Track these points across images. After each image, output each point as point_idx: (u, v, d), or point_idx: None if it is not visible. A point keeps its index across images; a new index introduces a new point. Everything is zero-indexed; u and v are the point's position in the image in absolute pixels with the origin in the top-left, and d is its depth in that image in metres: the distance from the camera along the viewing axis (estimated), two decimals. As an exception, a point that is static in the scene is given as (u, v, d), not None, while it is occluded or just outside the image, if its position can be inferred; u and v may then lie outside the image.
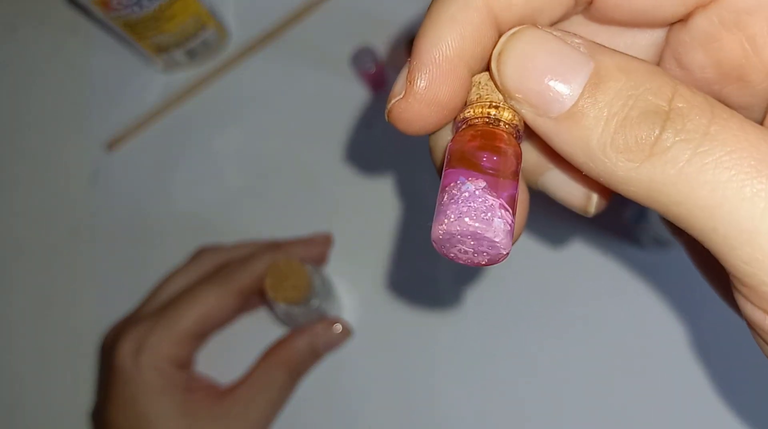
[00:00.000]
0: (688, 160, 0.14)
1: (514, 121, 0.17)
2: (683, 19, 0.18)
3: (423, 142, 0.51)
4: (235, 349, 0.46)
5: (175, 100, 0.52)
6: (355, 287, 0.47)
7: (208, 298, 0.41)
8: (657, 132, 0.14)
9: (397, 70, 0.52)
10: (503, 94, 0.16)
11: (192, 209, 0.50)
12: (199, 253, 0.46)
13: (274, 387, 0.42)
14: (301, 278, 0.39)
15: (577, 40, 0.16)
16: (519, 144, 0.17)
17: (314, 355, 0.44)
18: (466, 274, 0.46)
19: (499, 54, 0.16)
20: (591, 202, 0.17)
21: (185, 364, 0.42)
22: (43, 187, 0.53)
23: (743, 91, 0.18)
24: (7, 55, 0.56)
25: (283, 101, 0.51)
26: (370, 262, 0.47)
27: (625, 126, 0.14)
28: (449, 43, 0.16)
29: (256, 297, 0.44)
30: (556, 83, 0.15)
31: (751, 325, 0.16)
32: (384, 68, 0.48)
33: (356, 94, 0.50)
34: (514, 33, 0.16)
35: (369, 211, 0.48)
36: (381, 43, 0.48)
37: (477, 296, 0.45)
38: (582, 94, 0.15)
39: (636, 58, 0.15)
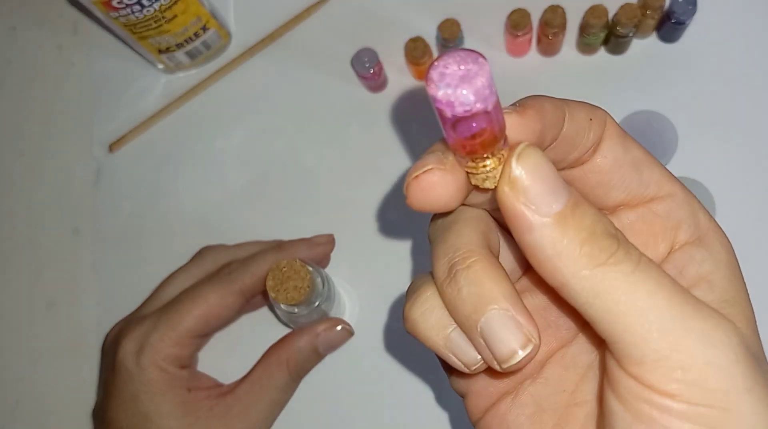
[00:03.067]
0: (632, 272, 0.19)
1: (482, 176, 0.20)
2: (610, 211, 0.24)
3: (423, 143, 0.51)
4: (237, 349, 0.46)
5: (176, 100, 0.52)
6: (357, 288, 0.47)
7: (210, 297, 0.41)
8: (614, 247, 0.19)
9: (397, 71, 0.53)
10: (511, 184, 0.19)
11: (193, 209, 0.50)
12: (202, 253, 0.46)
13: (276, 387, 0.42)
14: (303, 279, 0.39)
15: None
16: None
17: (315, 355, 0.44)
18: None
19: (521, 154, 0.19)
20: (527, 350, 0.20)
21: (187, 363, 0.42)
22: (45, 188, 0.53)
23: None
24: (8, 56, 0.57)
25: (284, 102, 0.51)
26: (371, 262, 0.47)
27: (592, 237, 0.19)
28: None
29: (258, 297, 0.44)
30: (552, 190, 0.19)
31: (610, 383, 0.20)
32: (384, 69, 0.49)
33: (356, 95, 0.50)
34: (530, 145, 0.19)
35: (370, 211, 0.48)
36: (381, 44, 0.48)
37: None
38: (566, 205, 0.19)
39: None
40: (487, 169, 0.19)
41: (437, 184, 0.20)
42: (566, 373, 0.24)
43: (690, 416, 0.18)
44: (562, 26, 0.45)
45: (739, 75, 0.47)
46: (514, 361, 0.20)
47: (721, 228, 0.23)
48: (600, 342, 0.23)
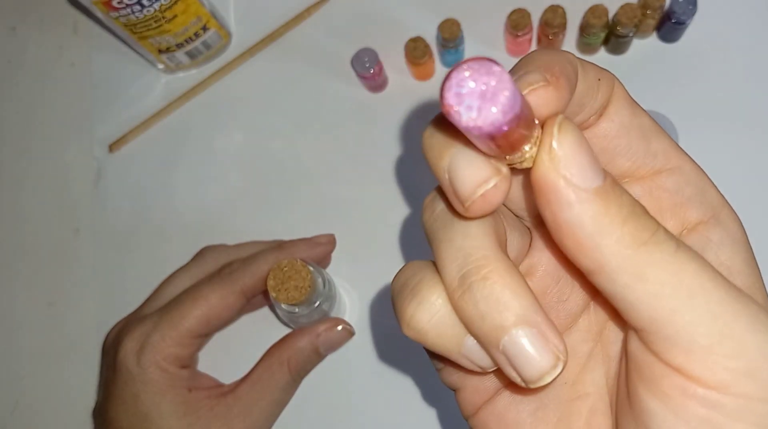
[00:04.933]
0: (676, 252, 0.18)
1: (520, 159, 0.18)
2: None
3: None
4: (238, 349, 0.46)
5: (176, 100, 0.52)
6: (357, 288, 0.47)
7: (211, 297, 0.41)
8: (656, 226, 0.18)
9: (397, 71, 0.53)
10: (552, 156, 0.18)
11: (194, 209, 0.50)
12: (202, 253, 0.46)
13: (276, 386, 0.42)
14: (304, 279, 0.39)
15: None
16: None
17: (316, 355, 0.44)
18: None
19: (561, 125, 0.18)
20: (558, 369, 0.19)
21: (188, 363, 0.42)
22: (45, 188, 0.53)
23: None
24: (8, 56, 0.57)
25: (284, 102, 0.51)
26: (372, 262, 0.47)
27: (633, 214, 0.18)
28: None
29: (259, 297, 0.44)
30: (594, 164, 0.18)
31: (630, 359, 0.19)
32: (384, 69, 0.49)
33: (356, 95, 0.50)
34: (566, 117, 0.18)
35: (370, 211, 0.48)
36: (381, 44, 0.48)
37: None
38: (606, 181, 0.18)
39: None
40: (527, 154, 0.18)
41: (500, 192, 0.18)
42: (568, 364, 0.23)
43: (742, 414, 0.17)
44: (562, 26, 0.45)
45: (739, 75, 0.47)
46: (543, 382, 0.19)
47: (731, 207, 0.22)
48: (604, 330, 0.22)
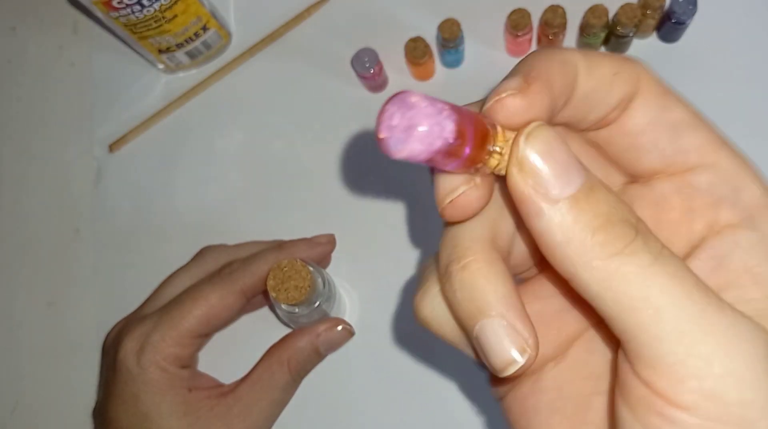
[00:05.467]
0: (650, 265, 0.17)
1: (496, 167, 0.19)
2: (644, 179, 0.22)
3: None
4: (238, 349, 0.46)
5: (176, 100, 0.52)
6: (357, 288, 0.47)
7: (211, 297, 0.41)
8: (631, 237, 0.17)
9: (397, 71, 0.53)
10: (519, 166, 0.18)
11: (194, 209, 0.50)
12: (202, 253, 0.46)
13: (276, 386, 0.42)
14: (304, 279, 0.39)
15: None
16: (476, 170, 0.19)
17: (316, 355, 0.44)
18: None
19: (529, 134, 0.18)
20: (520, 361, 0.19)
21: (188, 363, 0.42)
22: (45, 188, 0.53)
23: None
24: (8, 56, 0.57)
25: (284, 102, 0.51)
26: (372, 262, 0.47)
27: (608, 224, 0.17)
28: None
29: (259, 297, 0.44)
30: (564, 173, 0.17)
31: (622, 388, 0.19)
32: (384, 69, 0.49)
33: (356, 95, 0.50)
34: (540, 125, 0.18)
35: (370, 211, 0.48)
36: (381, 44, 0.48)
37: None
38: (579, 190, 0.17)
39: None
40: (494, 165, 0.18)
41: (472, 200, 0.19)
42: (591, 358, 0.22)
43: None
44: (562, 26, 0.45)
45: (739, 75, 0.47)
46: (509, 372, 0.19)
47: None
48: (613, 337, 0.22)
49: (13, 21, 0.57)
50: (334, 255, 0.47)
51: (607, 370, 0.22)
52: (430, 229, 0.47)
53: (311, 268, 0.40)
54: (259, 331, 0.47)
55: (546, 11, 0.45)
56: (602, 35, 0.46)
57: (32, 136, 0.55)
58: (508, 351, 0.18)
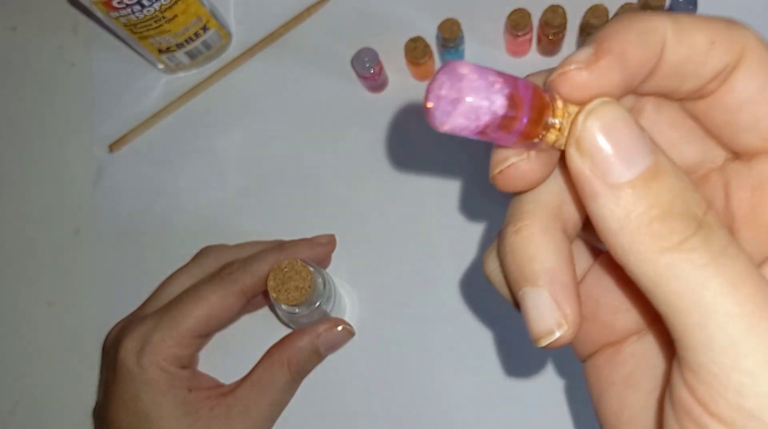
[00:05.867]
0: (705, 265, 0.16)
1: (555, 143, 0.18)
2: (747, 157, 0.20)
3: (424, 143, 0.51)
4: (238, 349, 0.46)
5: (176, 100, 0.52)
6: (357, 288, 0.47)
7: (211, 298, 0.41)
8: (690, 232, 0.16)
9: (397, 71, 0.53)
10: (577, 144, 0.17)
11: (194, 210, 0.50)
12: (202, 253, 0.46)
13: (277, 387, 0.42)
14: (304, 279, 0.39)
15: (644, 132, 0.17)
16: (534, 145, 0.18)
17: (316, 356, 0.44)
18: (467, 274, 0.46)
19: (591, 111, 0.17)
20: (555, 335, 0.18)
21: (188, 363, 0.42)
22: (45, 188, 0.53)
23: (754, 238, 0.20)
24: (8, 56, 0.57)
25: (285, 102, 0.51)
26: (372, 263, 0.47)
27: (666, 216, 0.16)
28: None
29: (259, 297, 0.44)
30: (625, 156, 0.16)
31: (674, 399, 0.18)
32: (384, 69, 0.49)
33: (356, 95, 0.50)
34: (605, 102, 0.17)
35: (370, 211, 0.48)
36: (381, 44, 0.48)
37: (477, 296, 0.46)
38: (641, 175, 0.16)
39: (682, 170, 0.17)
40: (552, 140, 0.17)
41: (523, 173, 0.18)
42: None
43: None
44: (563, 26, 0.45)
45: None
46: (544, 343, 0.18)
47: None
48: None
49: (14, 21, 0.57)
50: (334, 255, 0.47)
51: None
52: (431, 229, 0.47)
53: (311, 269, 0.40)
54: (259, 332, 0.47)
55: (546, 11, 0.45)
56: (602, 35, 0.46)
57: (32, 135, 0.55)
58: (545, 323, 0.18)
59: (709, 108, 0.19)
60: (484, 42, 0.49)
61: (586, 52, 0.17)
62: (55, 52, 0.56)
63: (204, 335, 0.42)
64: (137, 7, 0.45)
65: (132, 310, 0.45)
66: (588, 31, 0.45)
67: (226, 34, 0.52)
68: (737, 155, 0.20)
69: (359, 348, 0.46)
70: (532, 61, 0.49)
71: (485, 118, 0.16)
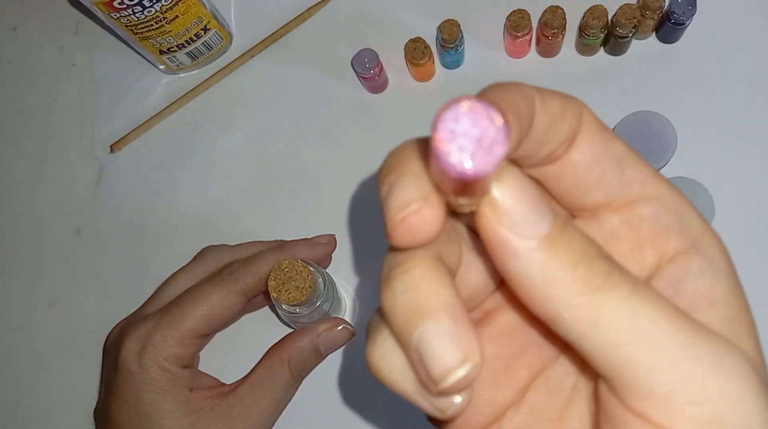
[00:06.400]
0: (629, 297, 0.17)
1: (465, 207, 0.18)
2: (589, 214, 0.22)
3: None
4: (238, 349, 0.46)
5: (177, 101, 0.52)
6: (358, 288, 0.47)
7: (212, 297, 0.41)
8: (609, 269, 0.17)
9: (397, 72, 0.53)
10: (490, 205, 0.17)
11: (195, 210, 0.51)
12: (203, 253, 0.46)
13: (277, 386, 0.43)
14: (305, 279, 0.39)
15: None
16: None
17: (317, 355, 0.44)
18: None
19: (500, 173, 0.17)
20: (462, 371, 0.17)
21: (189, 363, 0.43)
22: (47, 188, 0.53)
23: None
24: (9, 56, 0.57)
25: (285, 102, 0.51)
26: (372, 263, 0.47)
27: (586, 258, 0.17)
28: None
29: (260, 297, 0.44)
30: (538, 211, 0.17)
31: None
32: (384, 70, 0.49)
33: (357, 95, 0.50)
34: (508, 164, 0.17)
35: (371, 212, 0.48)
36: (381, 44, 0.49)
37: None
38: (555, 226, 0.17)
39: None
40: (470, 203, 0.17)
41: (427, 222, 0.17)
42: (551, 399, 0.22)
43: None
44: (562, 27, 0.45)
45: (738, 75, 0.47)
46: (449, 383, 0.17)
47: (715, 232, 0.21)
48: (586, 367, 0.21)
49: (15, 21, 0.57)
50: (334, 255, 0.47)
51: (568, 412, 0.21)
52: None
53: (312, 269, 0.40)
54: (259, 331, 0.47)
55: (545, 12, 0.45)
56: (601, 36, 0.46)
57: (33, 136, 0.55)
58: (451, 356, 0.17)
59: (557, 171, 0.21)
60: (483, 43, 0.49)
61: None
62: (56, 52, 0.56)
63: (205, 335, 0.43)
64: (138, 8, 0.45)
65: (133, 309, 0.46)
66: (587, 32, 0.46)
67: (226, 35, 0.52)
68: (578, 213, 0.22)
69: (359, 348, 0.46)
70: (531, 62, 0.49)
71: (495, 165, 0.16)
